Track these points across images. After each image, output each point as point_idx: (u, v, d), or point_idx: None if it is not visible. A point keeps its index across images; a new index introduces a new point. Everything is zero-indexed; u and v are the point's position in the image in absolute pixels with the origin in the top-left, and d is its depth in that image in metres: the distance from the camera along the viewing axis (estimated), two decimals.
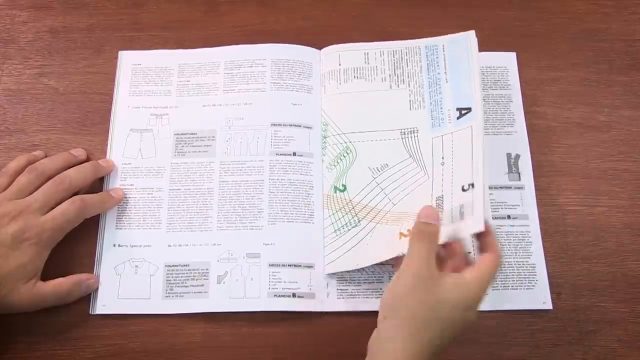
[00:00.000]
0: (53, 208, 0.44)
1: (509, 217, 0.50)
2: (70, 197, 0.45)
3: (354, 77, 0.53)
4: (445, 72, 0.52)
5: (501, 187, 0.51)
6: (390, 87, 0.52)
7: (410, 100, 0.52)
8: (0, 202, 0.43)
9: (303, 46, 0.55)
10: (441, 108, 0.50)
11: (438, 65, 0.51)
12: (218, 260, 0.47)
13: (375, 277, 0.48)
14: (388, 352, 0.36)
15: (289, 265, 0.47)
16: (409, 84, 0.52)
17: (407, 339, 0.36)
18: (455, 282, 0.37)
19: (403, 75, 0.53)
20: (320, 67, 0.54)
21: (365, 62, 0.53)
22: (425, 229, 0.39)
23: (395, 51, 0.54)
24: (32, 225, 0.42)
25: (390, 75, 0.53)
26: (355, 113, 0.52)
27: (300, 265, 0.47)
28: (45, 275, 0.44)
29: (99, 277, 0.47)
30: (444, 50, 0.52)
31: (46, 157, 0.49)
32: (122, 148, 0.51)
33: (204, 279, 0.47)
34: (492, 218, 0.49)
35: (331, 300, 0.47)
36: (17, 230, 0.42)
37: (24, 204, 0.43)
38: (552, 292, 0.47)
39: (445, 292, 0.36)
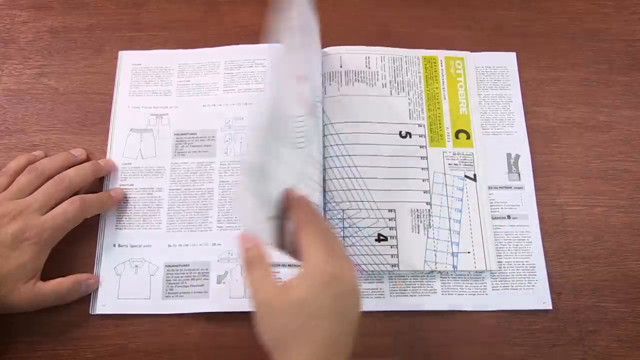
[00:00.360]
0: (53, 208, 0.44)
1: (508, 217, 0.50)
2: (70, 197, 0.45)
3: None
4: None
5: (501, 187, 0.51)
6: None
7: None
8: (0, 202, 0.43)
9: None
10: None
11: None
12: (218, 260, 0.47)
13: (375, 277, 0.48)
14: None
15: (289, 266, 0.47)
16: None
17: None
18: (297, 287, 0.35)
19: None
20: (321, 68, 0.54)
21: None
22: (248, 256, 0.38)
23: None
24: (32, 225, 0.42)
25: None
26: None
27: (300, 265, 0.47)
28: (45, 275, 0.44)
29: (99, 277, 0.47)
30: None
31: (46, 157, 0.49)
32: (122, 148, 0.51)
33: (204, 279, 0.47)
34: (492, 218, 0.49)
35: None
36: (17, 230, 0.42)
37: (24, 204, 0.43)
38: (552, 292, 0.47)
39: (289, 306, 0.35)
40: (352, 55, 0.54)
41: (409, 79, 0.54)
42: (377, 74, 0.54)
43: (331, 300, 0.34)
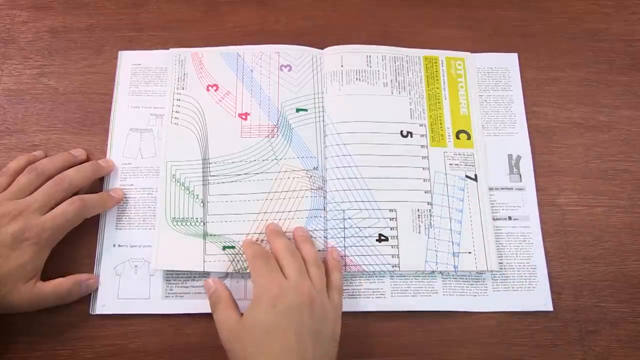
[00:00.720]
0: (53, 208, 0.44)
1: (509, 218, 0.50)
2: (70, 197, 0.45)
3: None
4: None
5: (502, 189, 0.51)
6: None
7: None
8: (0, 202, 0.43)
9: (305, 47, 0.54)
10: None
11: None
12: None
13: (376, 277, 0.48)
14: None
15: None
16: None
17: None
18: (249, 312, 0.41)
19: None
20: (321, 68, 0.54)
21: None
22: (211, 299, 0.44)
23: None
24: (32, 225, 0.42)
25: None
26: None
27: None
28: (45, 275, 0.44)
29: (98, 277, 0.47)
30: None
31: (46, 157, 0.49)
32: (122, 148, 0.51)
33: (204, 280, 0.47)
34: (493, 219, 0.49)
35: None
36: (17, 230, 0.42)
37: (24, 204, 0.43)
38: (552, 293, 0.48)
39: (248, 324, 0.40)
40: (353, 55, 0.54)
41: (410, 79, 0.54)
42: (378, 73, 0.54)
43: (280, 317, 0.39)
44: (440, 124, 0.52)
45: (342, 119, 0.51)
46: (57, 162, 0.47)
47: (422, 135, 0.52)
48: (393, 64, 0.54)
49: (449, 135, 0.52)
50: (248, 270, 0.46)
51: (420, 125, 0.52)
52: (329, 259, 0.46)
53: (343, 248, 0.47)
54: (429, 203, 0.49)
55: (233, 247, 0.47)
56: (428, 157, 0.51)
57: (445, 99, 0.53)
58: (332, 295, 0.43)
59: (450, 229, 0.48)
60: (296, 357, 0.38)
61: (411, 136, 0.51)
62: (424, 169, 0.50)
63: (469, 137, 0.52)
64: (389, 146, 0.51)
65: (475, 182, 0.50)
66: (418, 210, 0.49)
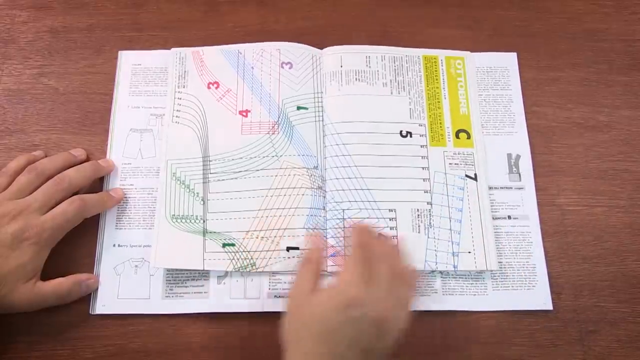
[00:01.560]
0: (53, 208, 0.44)
1: (509, 217, 0.50)
2: (70, 197, 0.45)
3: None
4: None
5: (502, 188, 0.51)
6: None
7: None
8: (0, 202, 0.43)
9: (305, 45, 0.54)
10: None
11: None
12: None
13: None
14: None
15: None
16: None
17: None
18: (321, 300, 0.38)
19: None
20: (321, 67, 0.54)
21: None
22: (307, 254, 0.43)
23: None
24: (32, 224, 0.42)
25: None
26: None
27: None
28: (45, 275, 0.44)
29: (98, 277, 0.47)
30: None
31: (46, 157, 0.49)
32: (122, 148, 0.51)
33: (204, 279, 0.47)
34: (493, 219, 0.49)
35: None
36: (17, 229, 0.42)
37: (24, 203, 0.43)
38: (552, 293, 0.47)
39: (316, 305, 0.38)
40: (352, 55, 0.54)
41: (410, 79, 0.54)
42: (378, 74, 0.54)
43: (344, 324, 0.36)
44: (440, 123, 0.52)
45: (341, 119, 0.51)
46: (57, 162, 0.47)
47: (421, 135, 0.52)
48: (392, 64, 0.54)
49: (449, 135, 0.52)
50: (247, 269, 0.46)
51: (420, 125, 0.52)
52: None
53: (342, 248, 0.47)
54: (429, 203, 0.49)
55: (233, 245, 0.47)
56: (427, 156, 0.51)
57: (445, 98, 0.53)
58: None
59: (450, 229, 0.48)
60: None
61: (410, 136, 0.51)
62: (423, 168, 0.50)
63: (468, 137, 0.52)
64: (388, 146, 0.51)
65: (475, 182, 0.50)
66: (417, 210, 0.49)
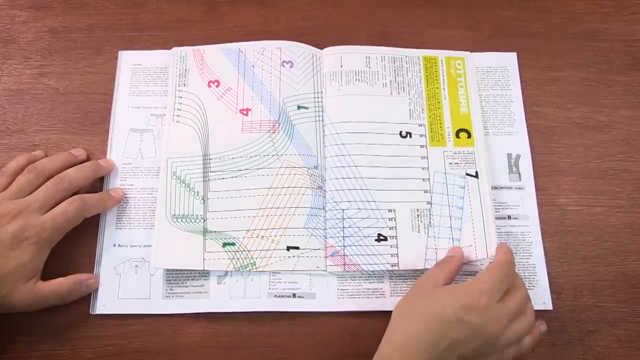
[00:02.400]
0: (53, 207, 0.44)
1: (509, 217, 0.50)
2: (70, 196, 0.45)
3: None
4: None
5: (502, 188, 0.51)
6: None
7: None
8: (0, 202, 0.43)
9: (306, 44, 0.54)
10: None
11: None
12: None
13: (375, 277, 0.48)
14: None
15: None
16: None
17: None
18: (452, 288, 0.41)
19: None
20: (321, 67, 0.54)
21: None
22: (448, 257, 0.46)
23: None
24: (32, 224, 0.42)
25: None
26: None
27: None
28: (46, 275, 0.44)
29: (99, 277, 0.47)
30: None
31: (46, 157, 0.49)
32: (122, 148, 0.51)
33: (204, 279, 0.47)
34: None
35: (331, 300, 0.47)
36: (17, 229, 0.42)
37: (23, 203, 0.43)
38: (552, 292, 0.47)
39: (439, 296, 0.40)
40: (352, 55, 0.54)
41: (410, 79, 0.54)
42: (378, 74, 0.54)
43: (457, 324, 0.38)
44: (440, 123, 0.52)
45: (341, 119, 0.51)
46: (57, 162, 0.47)
47: (421, 136, 0.52)
48: (392, 65, 0.54)
49: (449, 135, 0.52)
50: (248, 269, 0.46)
51: (420, 125, 0.52)
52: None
53: (342, 247, 0.47)
54: (429, 202, 0.49)
55: (233, 244, 0.47)
56: (427, 157, 0.51)
57: (445, 98, 0.53)
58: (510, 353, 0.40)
59: (451, 227, 0.48)
60: (422, 354, 0.37)
61: (410, 136, 0.51)
62: (423, 168, 0.50)
63: (469, 136, 0.52)
64: (388, 146, 0.51)
65: (476, 179, 0.50)
66: (417, 209, 0.49)
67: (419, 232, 0.48)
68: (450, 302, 0.39)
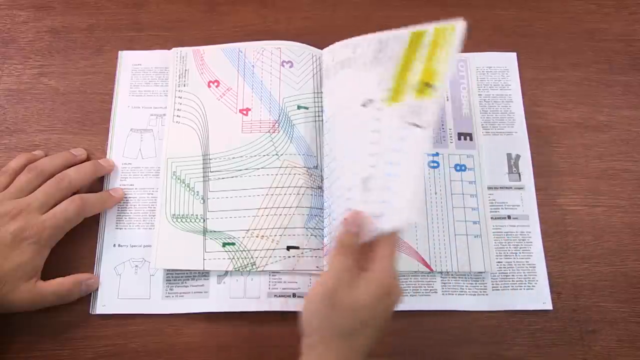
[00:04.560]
0: (53, 207, 0.44)
1: (509, 217, 0.50)
2: (71, 196, 0.45)
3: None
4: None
5: (502, 188, 0.51)
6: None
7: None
8: (0, 201, 0.43)
9: (306, 44, 0.54)
10: (442, 125, 0.51)
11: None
12: None
13: None
14: None
15: None
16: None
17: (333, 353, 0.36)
18: (363, 292, 0.37)
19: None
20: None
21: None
22: (343, 238, 0.40)
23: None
24: (32, 224, 0.42)
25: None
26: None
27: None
28: (46, 275, 0.44)
29: (99, 277, 0.47)
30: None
31: (46, 156, 0.49)
32: (122, 148, 0.51)
33: (204, 279, 0.47)
34: (493, 218, 0.49)
35: None
36: (17, 229, 0.42)
37: (23, 203, 0.43)
38: (552, 292, 0.47)
39: (358, 295, 0.37)
40: (343, 48, 0.53)
41: (390, 55, 0.52)
42: (362, 57, 0.53)
43: (383, 311, 0.38)
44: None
45: (334, 112, 0.51)
46: (57, 161, 0.47)
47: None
48: (377, 46, 0.48)
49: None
50: (248, 269, 0.46)
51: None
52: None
53: None
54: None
55: (233, 244, 0.47)
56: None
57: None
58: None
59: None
60: (363, 354, 0.37)
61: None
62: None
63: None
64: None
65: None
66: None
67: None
68: (371, 296, 0.37)
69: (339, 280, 0.37)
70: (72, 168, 0.47)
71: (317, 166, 0.50)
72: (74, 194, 0.46)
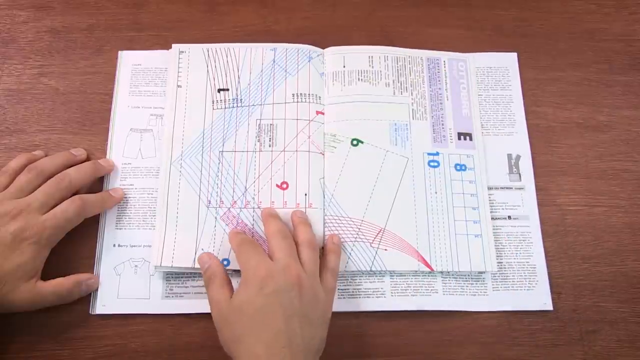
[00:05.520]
0: (53, 207, 0.44)
1: (509, 217, 0.50)
2: (71, 196, 0.45)
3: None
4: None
5: (502, 188, 0.51)
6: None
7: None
8: (0, 201, 0.43)
9: (306, 45, 0.54)
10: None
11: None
12: None
13: (376, 277, 0.48)
14: None
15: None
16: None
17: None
18: (237, 294, 0.40)
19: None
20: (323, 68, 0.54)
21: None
22: (205, 275, 0.43)
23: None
24: (32, 224, 0.42)
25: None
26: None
27: None
28: (46, 275, 0.44)
29: (99, 277, 0.47)
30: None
31: (47, 156, 0.49)
32: (122, 148, 0.51)
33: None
34: (493, 219, 0.49)
35: None
36: (18, 229, 0.42)
37: (24, 203, 0.43)
38: (552, 292, 0.48)
39: (234, 311, 0.40)
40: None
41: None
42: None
43: (268, 299, 0.39)
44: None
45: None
46: (57, 161, 0.47)
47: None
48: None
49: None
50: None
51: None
52: (328, 243, 0.46)
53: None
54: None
55: None
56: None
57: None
58: (325, 277, 0.43)
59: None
60: (284, 339, 0.37)
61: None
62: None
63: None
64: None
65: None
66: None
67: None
68: (248, 296, 0.40)
69: (217, 304, 0.41)
70: (72, 168, 0.47)
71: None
72: (74, 194, 0.46)
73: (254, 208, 0.48)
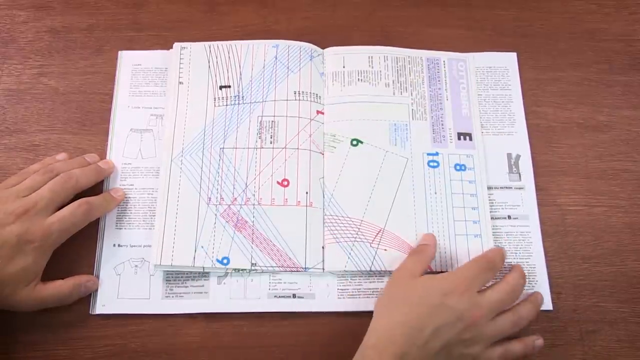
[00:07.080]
0: (59, 207, 0.44)
1: (509, 217, 0.50)
2: (74, 198, 0.45)
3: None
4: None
5: (502, 188, 0.51)
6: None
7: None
8: (8, 198, 0.43)
9: (307, 44, 0.54)
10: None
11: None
12: None
13: (376, 277, 0.48)
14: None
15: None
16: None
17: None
18: (431, 276, 0.42)
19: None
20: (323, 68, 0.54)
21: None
22: (419, 247, 0.47)
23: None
24: (38, 227, 0.42)
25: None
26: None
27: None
28: (46, 275, 0.44)
29: (98, 277, 0.47)
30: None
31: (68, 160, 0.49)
32: (122, 148, 0.51)
33: (204, 280, 0.47)
34: (493, 219, 0.49)
35: (331, 300, 0.47)
36: (23, 232, 0.41)
37: (30, 201, 0.42)
38: (552, 292, 0.47)
39: (418, 285, 0.42)
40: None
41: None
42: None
43: (437, 307, 0.39)
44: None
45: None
46: (71, 166, 0.47)
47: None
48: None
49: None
50: (248, 269, 0.46)
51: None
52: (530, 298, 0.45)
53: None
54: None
55: None
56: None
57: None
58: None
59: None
60: (408, 340, 0.38)
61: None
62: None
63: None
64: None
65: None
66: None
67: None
68: (434, 287, 0.41)
69: (402, 271, 0.45)
70: (78, 169, 0.47)
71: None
72: (77, 195, 0.46)
73: (254, 205, 0.48)
